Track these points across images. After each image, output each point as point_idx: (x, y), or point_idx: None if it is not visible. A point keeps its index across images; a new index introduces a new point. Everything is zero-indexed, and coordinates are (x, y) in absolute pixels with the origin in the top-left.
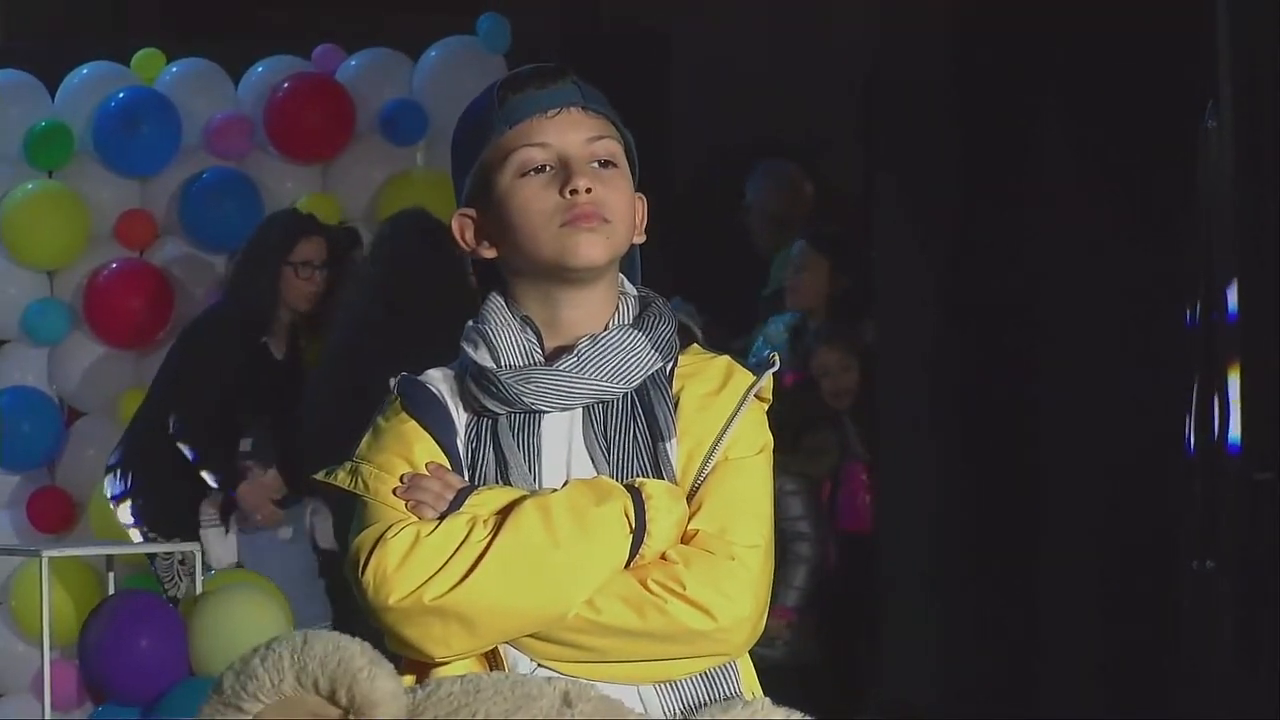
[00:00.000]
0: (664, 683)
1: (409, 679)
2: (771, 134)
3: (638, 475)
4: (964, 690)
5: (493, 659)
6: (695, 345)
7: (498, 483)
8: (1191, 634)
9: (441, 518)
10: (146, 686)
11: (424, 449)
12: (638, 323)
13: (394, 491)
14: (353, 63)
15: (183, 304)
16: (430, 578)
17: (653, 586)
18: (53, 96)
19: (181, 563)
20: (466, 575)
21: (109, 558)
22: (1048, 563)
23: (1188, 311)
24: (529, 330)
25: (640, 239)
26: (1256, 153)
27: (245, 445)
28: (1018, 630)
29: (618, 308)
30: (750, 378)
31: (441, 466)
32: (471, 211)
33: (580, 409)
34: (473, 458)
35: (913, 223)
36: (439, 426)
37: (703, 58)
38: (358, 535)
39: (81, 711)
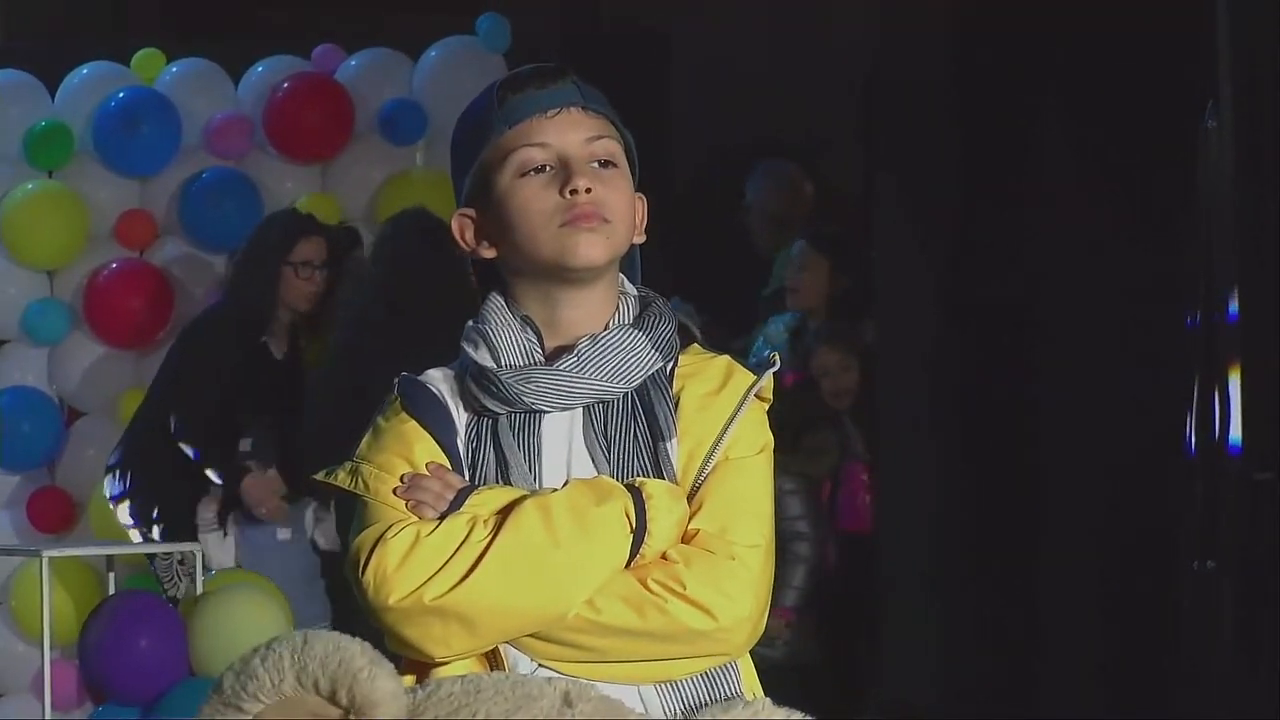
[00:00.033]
0: (664, 683)
1: (409, 679)
2: (771, 134)
3: (638, 475)
4: (964, 690)
5: (493, 659)
6: (695, 345)
7: (498, 483)
8: (1191, 634)
9: (442, 518)
10: (146, 686)
11: (424, 449)
12: (638, 323)
13: (394, 491)
14: (352, 63)
15: (183, 304)
16: (430, 578)
17: (653, 586)
18: (53, 96)
19: (181, 563)
20: (467, 575)
21: (109, 558)
22: (1048, 563)
23: (1188, 312)
24: (529, 330)
25: (640, 239)
26: (1256, 153)
27: (245, 445)
28: (1018, 630)
29: (618, 308)
30: (750, 377)
31: (442, 466)
32: (471, 211)
33: (580, 409)
34: (473, 458)
35: (913, 223)
36: (439, 426)
37: (703, 58)
38: (358, 535)
39: (81, 711)
